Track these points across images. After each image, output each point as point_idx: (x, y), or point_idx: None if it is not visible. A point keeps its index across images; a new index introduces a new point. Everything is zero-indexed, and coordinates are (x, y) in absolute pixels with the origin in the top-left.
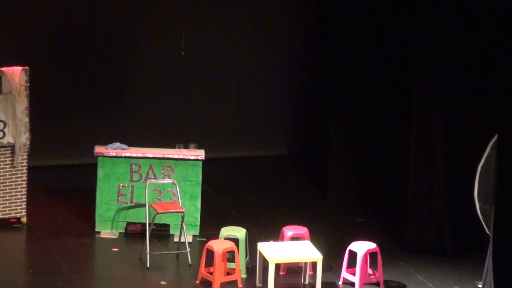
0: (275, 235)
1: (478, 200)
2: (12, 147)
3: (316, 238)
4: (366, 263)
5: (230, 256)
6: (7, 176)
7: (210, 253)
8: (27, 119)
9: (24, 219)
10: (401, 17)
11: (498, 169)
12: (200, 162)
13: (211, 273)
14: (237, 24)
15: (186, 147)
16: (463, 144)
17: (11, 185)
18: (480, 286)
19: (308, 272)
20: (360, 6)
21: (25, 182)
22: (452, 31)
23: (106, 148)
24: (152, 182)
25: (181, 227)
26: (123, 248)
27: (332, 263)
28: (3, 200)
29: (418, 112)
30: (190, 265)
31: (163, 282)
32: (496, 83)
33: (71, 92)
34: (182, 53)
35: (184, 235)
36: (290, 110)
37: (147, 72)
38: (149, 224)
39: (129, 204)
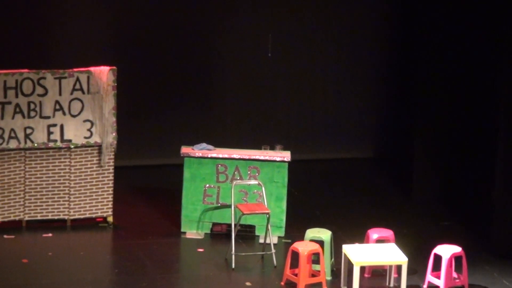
0: (360, 237)
1: None
2: (99, 146)
3: (401, 241)
4: (451, 266)
5: (315, 258)
6: (94, 176)
7: (295, 255)
8: (114, 119)
9: (110, 219)
10: (486, 15)
11: None
12: (286, 164)
13: (296, 275)
14: (323, 26)
15: (272, 148)
16: None
17: (98, 185)
18: None
19: (393, 275)
20: (444, 5)
21: (112, 181)
22: None
23: (193, 149)
24: (238, 183)
25: (267, 229)
26: (208, 249)
27: (416, 266)
28: (89, 200)
29: (505, 114)
30: (275, 267)
31: (248, 283)
32: None
33: (158, 92)
34: (269, 55)
35: (270, 236)
36: (376, 112)
37: (234, 73)
38: (235, 225)
39: (215, 205)
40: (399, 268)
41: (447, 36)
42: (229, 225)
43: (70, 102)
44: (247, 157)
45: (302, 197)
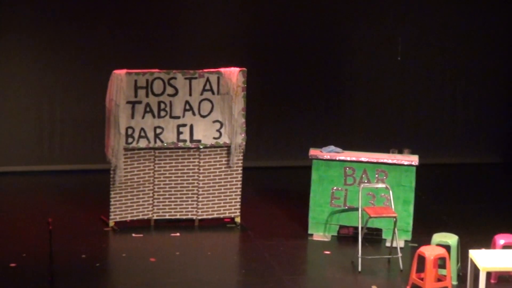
0: (487, 242)
1: None
2: (228, 147)
3: None
4: None
5: (442, 263)
6: (223, 176)
7: (422, 259)
8: (243, 120)
9: (238, 219)
10: None
11: None
12: (414, 168)
13: (422, 279)
14: (453, 30)
15: (400, 152)
16: None
17: (226, 185)
18: None
19: None
20: None
21: (240, 182)
22: None
23: (321, 151)
24: (366, 186)
25: (393, 232)
26: (335, 251)
27: None
28: (218, 200)
29: None
30: (401, 270)
31: (374, 287)
32: None
33: (287, 94)
34: (399, 58)
35: (396, 240)
36: (506, 117)
37: (362, 76)
38: (362, 228)
39: (342, 208)
40: None
41: None
42: (356, 228)
43: (200, 102)
44: (375, 161)
45: (429, 201)
